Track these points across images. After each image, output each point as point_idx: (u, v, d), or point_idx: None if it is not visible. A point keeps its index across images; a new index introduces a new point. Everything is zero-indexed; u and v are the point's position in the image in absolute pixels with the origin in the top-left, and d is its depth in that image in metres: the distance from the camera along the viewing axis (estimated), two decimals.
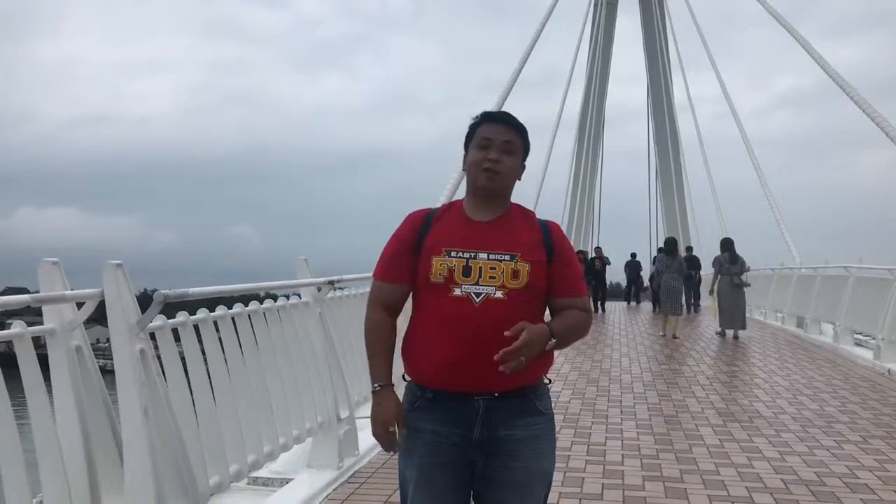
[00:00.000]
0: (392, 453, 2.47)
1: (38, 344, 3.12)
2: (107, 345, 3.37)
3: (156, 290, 3.28)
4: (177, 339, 3.75)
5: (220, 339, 4.06)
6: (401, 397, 2.40)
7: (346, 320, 5.85)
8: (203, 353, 3.93)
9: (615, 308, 23.72)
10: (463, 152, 2.42)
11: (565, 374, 9.38)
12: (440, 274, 2.26)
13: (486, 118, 2.40)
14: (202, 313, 3.95)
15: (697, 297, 22.31)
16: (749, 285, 14.94)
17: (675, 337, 13.93)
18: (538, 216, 2.46)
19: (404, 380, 2.42)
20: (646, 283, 26.42)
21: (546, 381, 2.40)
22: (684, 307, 15.87)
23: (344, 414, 5.18)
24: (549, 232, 2.37)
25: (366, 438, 5.49)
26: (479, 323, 2.20)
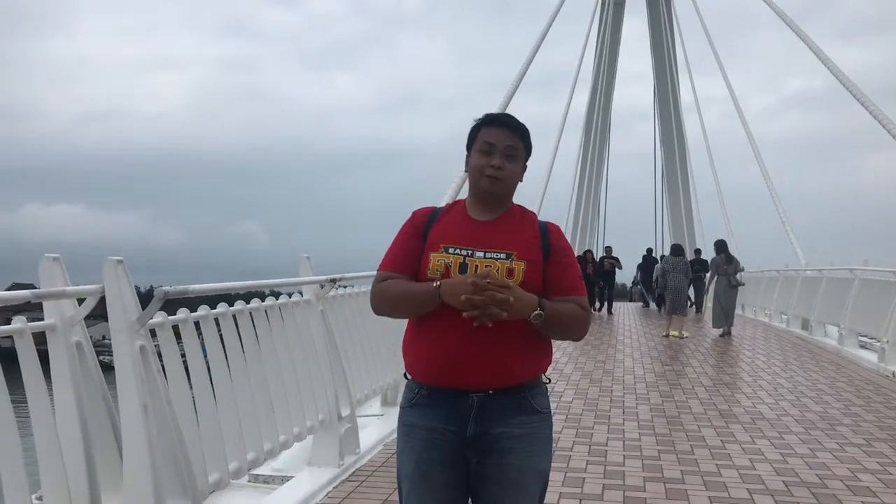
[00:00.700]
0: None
1: (40, 340, 3.13)
2: (111, 341, 3.38)
3: (161, 286, 3.29)
4: (178, 336, 3.76)
5: (221, 336, 4.06)
6: (400, 396, 2.41)
7: (348, 318, 5.85)
8: (204, 350, 3.94)
9: (623, 309, 23.53)
10: (465, 152, 2.43)
11: (568, 375, 9.37)
12: (437, 270, 2.28)
13: (488, 121, 2.40)
14: (203, 310, 3.95)
15: (702, 298, 22.27)
16: (743, 284, 15.89)
17: (681, 336, 14.08)
18: (543, 217, 2.48)
19: (405, 378, 2.43)
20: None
21: (546, 380, 2.40)
22: (690, 307, 16.04)
23: (345, 412, 5.18)
24: (547, 232, 2.39)
25: (367, 437, 5.51)
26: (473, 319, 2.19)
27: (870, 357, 10.93)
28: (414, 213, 2.44)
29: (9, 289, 3.54)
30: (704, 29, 33.94)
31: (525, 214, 2.43)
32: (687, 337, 14.43)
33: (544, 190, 29.76)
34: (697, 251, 24.74)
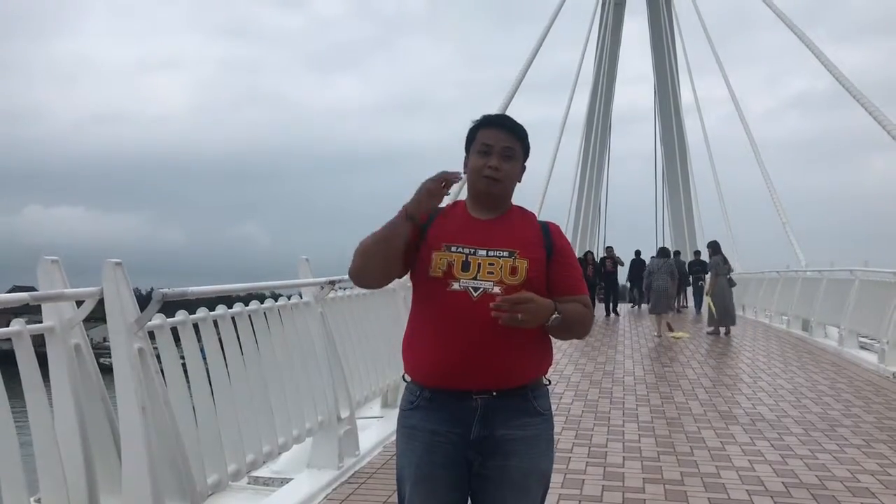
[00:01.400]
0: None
1: (39, 342, 3.14)
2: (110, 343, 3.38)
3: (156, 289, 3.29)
4: (177, 338, 3.76)
5: (219, 338, 4.07)
6: (400, 399, 2.40)
7: (347, 320, 5.86)
8: (202, 352, 3.94)
9: (621, 311, 23.45)
10: (464, 154, 2.44)
11: (568, 376, 9.37)
12: (439, 268, 2.27)
13: (485, 122, 2.41)
14: (202, 312, 3.96)
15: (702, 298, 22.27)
16: (735, 284, 16.54)
17: (670, 330, 14.43)
18: (543, 217, 2.49)
19: (404, 380, 2.43)
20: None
21: (546, 382, 2.41)
22: (679, 309, 16.33)
23: (344, 414, 5.18)
24: (548, 231, 2.40)
25: (366, 438, 5.51)
26: (477, 318, 2.20)
27: (870, 358, 10.92)
28: None
29: (9, 291, 3.54)
30: (705, 30, 34.00)
31: (525, 214, 2.44)
32: (681, 337, 14.45)
33: (545, 191, 29.82)
34: (697, 253, 24.74)
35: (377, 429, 5.97)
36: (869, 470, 5.19)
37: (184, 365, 3.77)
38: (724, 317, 15.27)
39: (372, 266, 2.32)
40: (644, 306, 24.40)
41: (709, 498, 4.56)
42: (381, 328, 6.45)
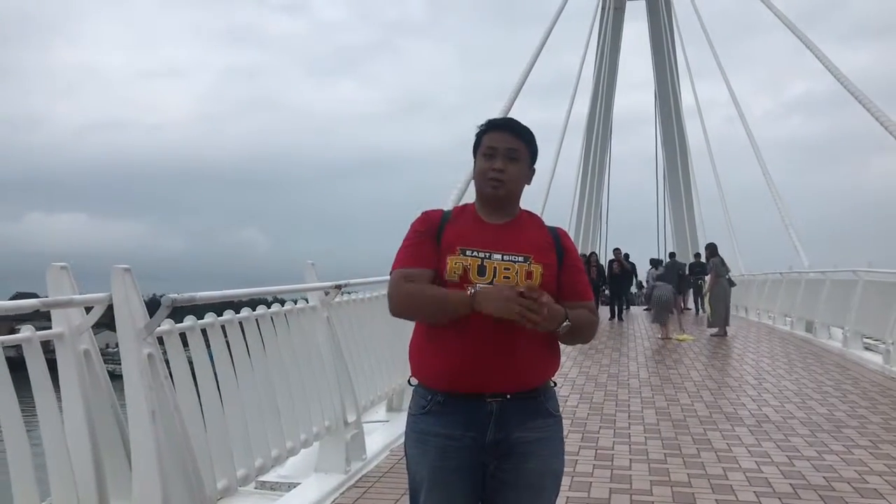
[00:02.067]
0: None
1: (48, 349, 3.14)
2: (115, 350, 3.39)
3: (164, 294, 3.30)
4: (185, 343, 3.77)
5: (227, 343, 4.07)
6: (406, 402, 2.40)
7: (353, 324, 5.86)
8: (211, 357, 3.95)
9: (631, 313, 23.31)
10: (473, 159, 2.45)
11: (573, 379, 9.37)
12: (455, 272, 2.27)
13: (490, 126, 2.41)
14: (210, 317, 3.96)
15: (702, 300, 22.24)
16: (735, 285, 16.99)
17: (668, 337, 14.49)
18: (545, 219, 2.49)
19: (410, 384, 2.43)
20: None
21: (552, 383, 2.42)
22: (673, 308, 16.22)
23: (351, 418, 5.18)
24: (558, 237, 2.41)
25: (373, 442, 5.51)
26: (493, 321, 2.19)
27: (875, 359, 10.91)
28: (425, 213, 2.43)
29: (12, 298, 3.56)
30: (705, 33, 34.07)
31: (533, 218, 2.45)
32: (686, 339, 14.45)
33: (546, 193, 29.86)
34: (697, 255, 24.77)
35: (383, 433, 5.97)
36: (877, 471, 5.19)
37: (192, 370, 3.78)
38: (727, 317, 15.53)
39: (418, 318, 2.37)
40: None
41: (717, 500, 4.56)
42: (387, 332, 6.45)
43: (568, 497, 4.55)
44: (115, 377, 3.34)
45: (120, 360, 3.23)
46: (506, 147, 2.35)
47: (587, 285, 2.44)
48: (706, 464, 5.38)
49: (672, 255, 26.75)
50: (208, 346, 3.93)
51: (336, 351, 5.19)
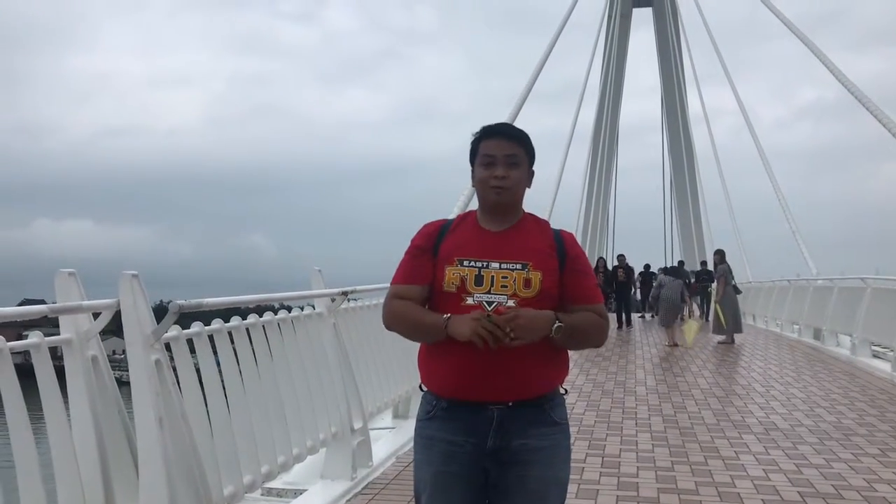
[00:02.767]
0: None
1: (55, 355, 3.15)
2: (122, 356, 3.40)
3: (172, 300, 3.31)
4: (192, 349, 3.78)
5: (234, 349, 4.08)
6: (413, 408, 2.41)
7: (360, 331, 5.86)
8: (218, 363, 3.95)
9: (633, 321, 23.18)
10: (469, 167, 2.44)
11: (580, 386, 9.35)
12: (452, 283, 2.28)
13: (485, 133, 2.40)
14: (217, 324, 3.97)
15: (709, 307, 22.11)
16: (741, 292, 17.16)
17: (675, 345, 14.45)
18: (552, 226, 2.47)
19: (421, 390, 2.44)
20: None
21: (562, 391, 2.41)
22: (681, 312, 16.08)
23: (357, 425, 5.18)
24: (562, 240, 2.39)
25: (379, 449, 5.50)
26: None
27: (883, 366, 10.86)
28: (424, 226, 2.44)
29: (20, 304, 3.57)
30: (712, 40, 34.12)
31: (538, 223, 2.43)
32: (692, 327, 14.34)
33: (553, 200, 29.87)
34: (703, 263, 24.71)
35: (389, 440, 5.96)
36: (886, 479, 5.16)
37: (199, 376, 3.78)
38: (736, 325, 15.55)
39: (404, 336, 2.46)
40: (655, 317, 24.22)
41: None
42: (394, 339, 6.44)
43: None
44: (123, 384, 3.35)
45: (127, 366, 3.25)
46: (504, 154, 2.34)
47: (594, 288, 2.41)
48: (714, 471, 5.35)
49: (681, 262, 26.74)
50: (215, 353, 3.94)
51: (342, 357, 5.19)
